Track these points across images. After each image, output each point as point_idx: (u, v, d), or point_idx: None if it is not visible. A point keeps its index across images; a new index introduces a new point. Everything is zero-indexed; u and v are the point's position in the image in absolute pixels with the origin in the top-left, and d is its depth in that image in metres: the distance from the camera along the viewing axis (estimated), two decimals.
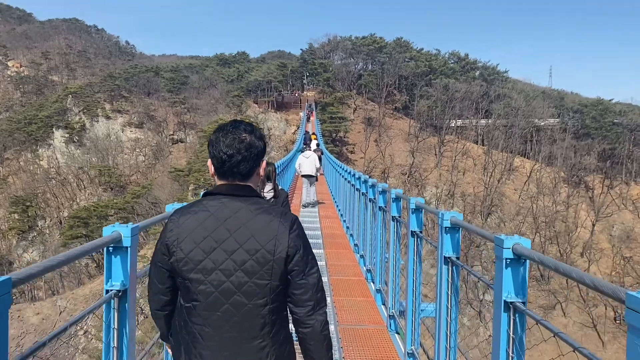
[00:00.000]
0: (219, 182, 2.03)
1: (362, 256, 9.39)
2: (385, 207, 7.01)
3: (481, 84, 73.63)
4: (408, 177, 60.41)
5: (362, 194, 9.58)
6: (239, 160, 1.96)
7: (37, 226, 63.82)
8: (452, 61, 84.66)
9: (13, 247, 60.42)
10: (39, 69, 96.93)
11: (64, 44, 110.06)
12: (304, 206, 16.25)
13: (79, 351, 35.16)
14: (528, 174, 60.69)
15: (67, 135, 72.37)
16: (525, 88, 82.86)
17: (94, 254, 50.30)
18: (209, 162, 2.05)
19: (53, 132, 73.14)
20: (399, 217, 6.09)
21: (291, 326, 2.04)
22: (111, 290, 2.61)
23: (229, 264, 1.89)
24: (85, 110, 75.04)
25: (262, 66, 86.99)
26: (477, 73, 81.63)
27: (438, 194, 56.76)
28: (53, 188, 67.12)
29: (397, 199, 6.12)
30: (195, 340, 1.93)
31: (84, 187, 68.25)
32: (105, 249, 2.58)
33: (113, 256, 2.64)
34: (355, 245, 10.59)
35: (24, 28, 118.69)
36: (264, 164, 2.09)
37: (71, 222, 54.23)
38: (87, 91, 78.01)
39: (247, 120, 2.22)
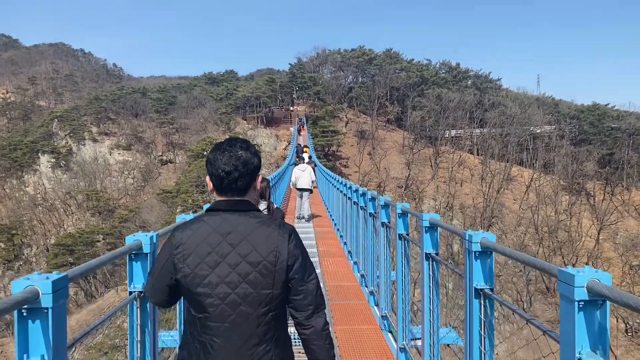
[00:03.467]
0: (218, 198, 2.15)
1: (355, 263, 9.81)
2: (375, 213, 7.44)
3: (474, 93, 72.66)
4: (405, 190, 58.84)
5: (354, 203, 10.07)
6: (237, 177, 2.08)
7: (24, 255, 62.24)
8: (444, 71, 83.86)
9: None
10: (25, 94, 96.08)
11: (51, 69, 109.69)
12: (298, 218, 16.37)
13: None
14: (527, 183, 59.31)
15: (53, 160, 70.84)
16: (519, 96, 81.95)
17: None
18: (207, 179, 2.17)
19: (39, 157, 71.61)
20: (388, 222, 6.60)
21: (291, 329, 2.21)
22: (134, 291, 2.92)
23: (233, 276, 2.00)
24: (71, 134, 73.67)
25: (250, 83, 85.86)
26: (470, 82, 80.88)
27: (436, 207, 55.17)
28: (39, 214, 65.68)
29: (385, 205, 6.66)
30: (205, 349, 2.04)
31: (72, 213, 66.75)
32: (128, 255, 2.92)
33: (134, 262, 2.96)
34: (349, 251, 10.98)
35: (10, 54, 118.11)
36: (259, 178, 2.21)
37: (56, 250, 52.38)
38: (73, 114, 76.73)
39: (238, 136, 2.34)
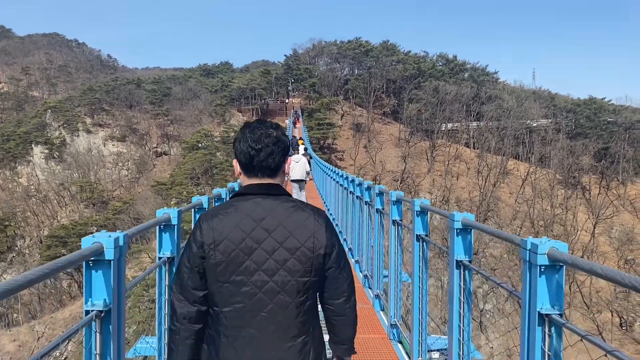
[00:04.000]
0: (247, 182, 2.05)
1: (357, 262, 9.51)
2: (371, 201, 7.62)
3: (471, 86, 72.25)
4: (400, 183, 58.59)
5: (356, 196, 9.89)
6: (268, 153, 1.99)
7: (17, 246, 61.91)
8: (441, 63, 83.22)
9: None
10: (18, 84, 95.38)
11: (45, 59, 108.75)
12: None
13: None
14: (522, 177, 59.15)
15: (46, 151, 70.39)
16: (515, 90, 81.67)
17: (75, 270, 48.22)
18: (235, 162, 2.09)
19: (32, 149, 71.15)
20: (383, 209, 6.88)
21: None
22: (92, 311, 2.28)
23: (270, 263, 1.91)
24: (65, 125, 73.20)
25: (245, 74, 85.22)
26: (467, 75, 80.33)
27: (432, 200, 54.88)
28: (33, 206, 65.22)
29: (380, 193, 6.98)
30: (238, 343, 1.91)
31: (65, 204, 66.36)
32: (84, 263, 2.26)
33: (94, 271, 2.29)
34: (350, 248, 10.59)
35: (3, 44, 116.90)
36: (289, 160, 2.12)
37: (49, 242, 52.03)
38: (66, 105, 76.24)
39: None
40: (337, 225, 13.81)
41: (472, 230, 3.39)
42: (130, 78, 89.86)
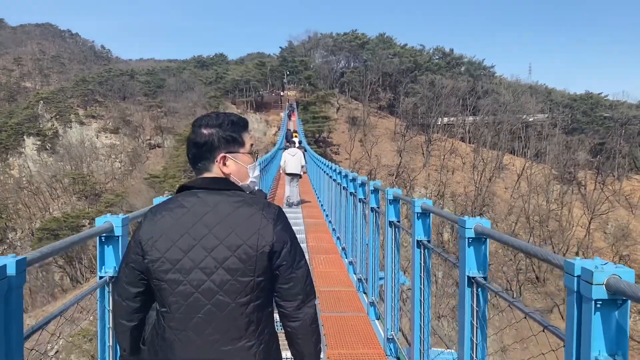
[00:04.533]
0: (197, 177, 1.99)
1: (351, 263, 9.04)
2: (365, 198, 7.35)
3: (467, 80, 71.84)
4: (396, 178, 58.25)
5: (343, 188, 9.86)
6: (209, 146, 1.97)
7: (8, 239, 61.51)
8: (437, 57, 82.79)
9: None
10: (10, 75, 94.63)
11: (37, 50, 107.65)
12: (288, 205, 15.66)
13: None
14: (518, 172, 58.96)
15: (39, 142, 69.61)
16: (512, 84, 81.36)
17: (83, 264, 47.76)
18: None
19: (24, 140, 70.43)
20: (378, 207, 6.51)
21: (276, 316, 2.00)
22: (105, 276, 2.78)
23: (209, 261, 1.78)
24: (57, 117, 72.43)
25: (240, 66, 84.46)
26: (463, 68, 79.93)
27: (427, 195, 54.68)
28: (24, 198, 64.82)
29: (375, 190, 6.58)
30: (173, 347, 1.80)
31: (57, 196, 65.88)
32: (97, 238, 2.75)
33: (106, 245, 2.80)
34: (343, 249, 9.98)
35: None
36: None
37: (40, 235, 51.55)
38: (59, 96, 75.40)
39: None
40: (330, 222, 13.09)
41: (488, 240, 2.81)
42: (124, 69, 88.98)
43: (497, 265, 44.69)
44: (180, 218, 1.81)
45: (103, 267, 2.78)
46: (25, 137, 70.03)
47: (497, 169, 59.19)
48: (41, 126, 71.54)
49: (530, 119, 68.10)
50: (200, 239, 1.78)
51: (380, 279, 6.14)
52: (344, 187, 9.78)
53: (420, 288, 3.99)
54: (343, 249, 9.87)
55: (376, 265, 6.44)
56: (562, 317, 43.34)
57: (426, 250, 3.97)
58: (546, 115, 70.11)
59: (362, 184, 7.61)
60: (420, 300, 3.99)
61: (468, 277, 2.85)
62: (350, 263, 8.81)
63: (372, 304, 6.48)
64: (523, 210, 52.06)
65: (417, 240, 4.02)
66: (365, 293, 7.15)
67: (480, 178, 55.94)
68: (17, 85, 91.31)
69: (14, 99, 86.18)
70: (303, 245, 9.87)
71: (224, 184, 1.88)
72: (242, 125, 1.99)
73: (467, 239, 2.81)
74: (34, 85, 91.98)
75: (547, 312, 43.16)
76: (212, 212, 1.81)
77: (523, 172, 57.86)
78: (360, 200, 7.71)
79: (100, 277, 2.75)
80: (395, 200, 5.30)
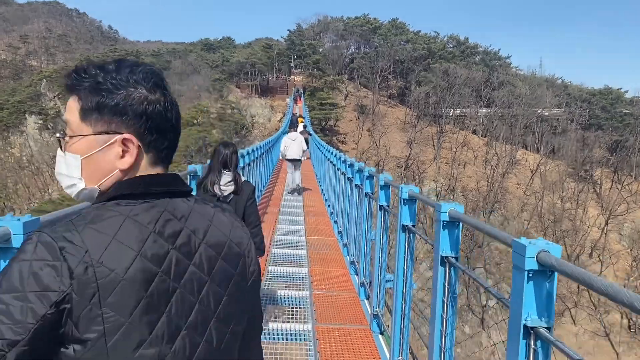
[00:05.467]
0: (139, 174, 1.32)
1: (345, 245, 8.90)
2: (361, 184, 7.34)
3: (482, 70, 69.26)
4: (404, 170, 56.13)
5: (342, 173, 9.87)
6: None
7: None
8: (452, 45, 79.97)
9: None
10: (16, 53, 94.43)
11: (44, 28, 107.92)
12: (289, 193, 15.45)
13: None
14: (531, 168, 56.75)
15: (40, 121, 68.68)
16: (528, 77, 78.80)
17: None
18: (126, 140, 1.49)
19: (26, 119, 69.70)
20: (372, 193, 6.55)
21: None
22: None
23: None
24: (60, 96, 71.30)
25: (246, 49, 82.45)
26: (478, 58, 77.25)
27: (437, 189, 52.56)
28: (24, 178, 64.56)
29: (369, 176, 6.75)
30: None
31: None
32: None
33: (2, 260, 1.96)
34: (345, 245, 9.30)
35: (2, 10, 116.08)
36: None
37: (35, 217, 50.33)
38: (62, 75, 74.31)
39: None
40: (332, 214, 12.11)
41: (461, 223, 3.08)
42: (129, 49, 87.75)
43: (507, 265, 42.90)
44: (141, 245, 1.05)
45: None
46: (27, 115, 69.33)
47: (510, 164, 57.03)
48: (43, 105, 70.67)
49: (546, 113, 65.72)
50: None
51: (388, 281, 5.75)
52: (348, 178, 9.20)
53: (404, 269, 4.23)
54: (345, 245, 9.06)
55: (368, 249, 6.49)
56: (574, 322, 41.62)
57: (411, 235, 4.25)
58: (562, 109, 67.72)
59: (359, 170, 7.47)
60: (403, 281, 4.22)
61: (441, 256, 3.09)
62: (345, 245, 8.72)
63: (362, 284, 6.58)
64: (536, 208, 50.01)
65: (403, 225, 4.28)
66: (357, 274, 7.07)
67: (493, 173, 53.80)
68: (23, 63, 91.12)
69: (19, 76, 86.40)
70: (301, 238, 9.69)
71: (183, 184, 1.23)
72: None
73: (442, 222, 3.07)
74: (40, 64, 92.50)
75: (559, 316, 41.41)
76: (186, 229, 1.26)
77: (538, 168, 55.67)
78: (356, 185, 7.76)
79: None
80: (386, 186, 5.41)
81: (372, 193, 6.57)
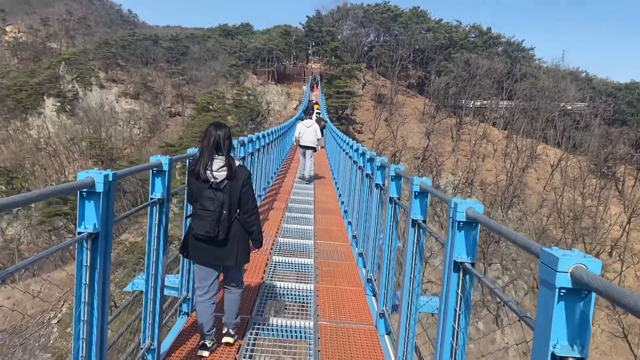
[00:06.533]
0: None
1: (354, 237, 8.63)
2: (372, 174, 7.02)
3: (505, 61, 67.54)
4: (422, 161, 55.10)
5: (354, 161, 9.61)
6: None
7: None
8: (474, 35, 78.14)
9: None
10: (37, 35, 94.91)
11: (64, 10, 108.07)
12: (300, 178, 15.47)
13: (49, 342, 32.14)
14: (552, 163, 55.31)
15: (58, 103, 68.94)
16: (551, 69, 76.80)
17: None
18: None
19: (44, 100, 69.97)
20: (383, 184, 6.29)
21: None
22: (84, 232, 2.69)
23: None
24: (78, 78, 71.69)
25: (264, 35, 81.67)
26: (500, 49, 75.38)
27: (455, 182, 51.49)
28: (41, 159, 64.66)
29: (381, 167, 6.39)
30: None
31: (74, 159, 65.60)
32: (78, 193, 2.67)
33: (87, 200, 2.69)
34: (354, 237, 8.94)
35: None
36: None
37: (50, 199, 50.54)
38: (81, 58, 74.83)
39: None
40: (342, 202, 11.88)
41: (479, 225, 2.74)
42: (147, 33, 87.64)
43: (525, 261, 41.97)
44: None
45: (83, 222, 2.68)
46: (45, 97, 69.57)
47: (530, 158, 55.66)
48: (62, 87, 71.01)
49: (569, 107, 63.97)
50: None
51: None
52: (360, 167, 8.87)
53: (412, 266, 4.01)
54: (354, 237, 8.78)
55: (377, 241, 6.17)
56: (592, 322, 40.52)
57: (420, 230, 4.01)
58: (586, 104, 65.84)
59: (371, 159, 7.10)
60: (411, 279, 4.01)
61: (455, 261, 2.76)
62: (354, 237, 8.50)
63: (369, 280, 6.29)
64: (556, 204, 48.73)
65: (413, 220, 4.06)
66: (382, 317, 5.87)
67: (513, 167, 52.53)
68: (43, 45, 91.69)
69: (39, 58, 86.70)
70: (309, 228, 9.60)
71: None
72: None
73: (457, 222, 2.73)
74: (60, 47, 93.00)
75: None
76: None
77: (559, 163, 54.24)
78: (367, 175, 7.50)
79: (79, 233, 2.63)
80: (398, 177, 5.21)
81: (383, 184, 6.29)
